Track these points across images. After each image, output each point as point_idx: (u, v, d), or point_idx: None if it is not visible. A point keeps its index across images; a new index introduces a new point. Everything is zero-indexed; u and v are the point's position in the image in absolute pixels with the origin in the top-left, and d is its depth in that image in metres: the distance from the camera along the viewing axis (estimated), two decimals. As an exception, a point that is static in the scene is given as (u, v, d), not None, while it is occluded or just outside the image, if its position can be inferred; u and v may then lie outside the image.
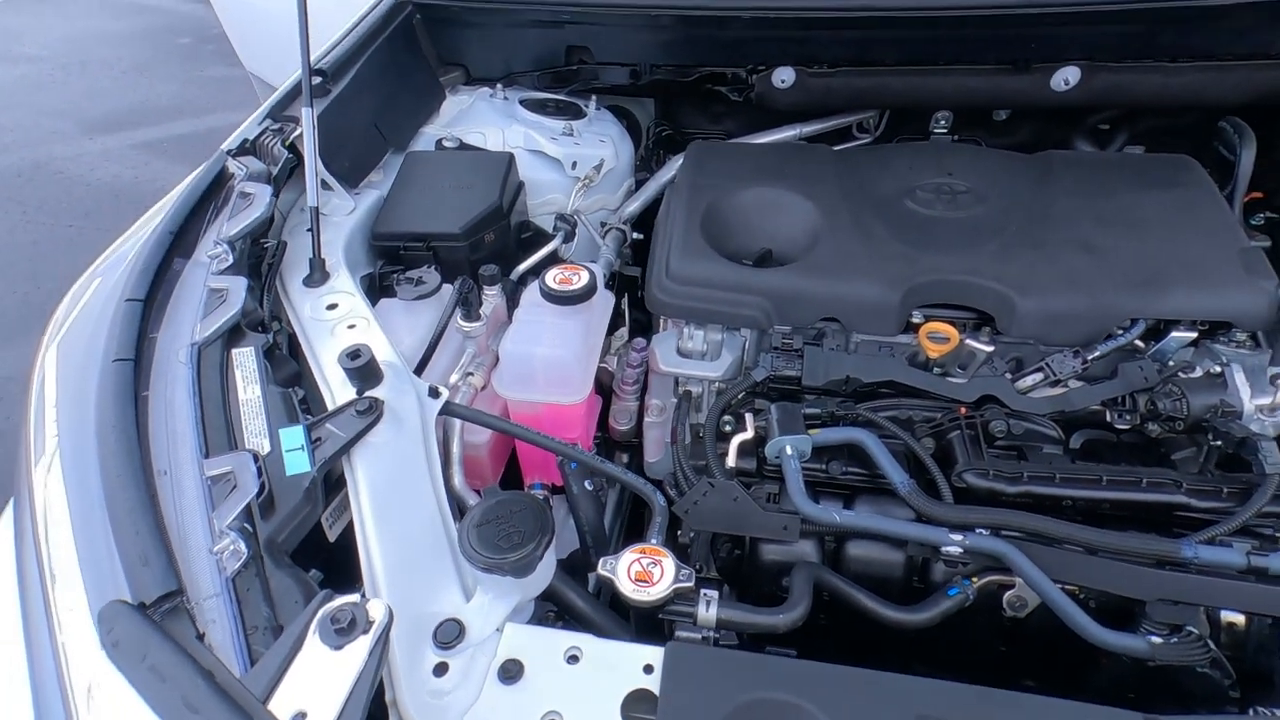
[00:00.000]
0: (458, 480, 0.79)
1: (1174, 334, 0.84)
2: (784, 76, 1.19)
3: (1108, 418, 0.84)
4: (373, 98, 1.09)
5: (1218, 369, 0.78)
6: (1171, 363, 0.83)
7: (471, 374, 0.89)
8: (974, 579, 0.75)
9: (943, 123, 1.31)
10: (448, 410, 0.75)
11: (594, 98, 1.30)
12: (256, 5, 2.54)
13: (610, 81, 1.30)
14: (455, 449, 0.84)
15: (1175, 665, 0.66)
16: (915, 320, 0.91)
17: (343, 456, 0.62)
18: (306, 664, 0.44)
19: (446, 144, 1.15)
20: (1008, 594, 0.76)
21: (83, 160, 4.02)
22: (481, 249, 0.99)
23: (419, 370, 0.80)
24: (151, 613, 0.45)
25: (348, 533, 0.63)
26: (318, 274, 0.84)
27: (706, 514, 0.79)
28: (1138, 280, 0.84)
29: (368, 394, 0.67)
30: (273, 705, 0.42)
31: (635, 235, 1.28)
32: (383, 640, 0.46)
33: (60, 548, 0.51)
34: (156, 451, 0.57)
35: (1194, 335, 0.84)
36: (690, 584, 0.64)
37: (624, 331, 1.14)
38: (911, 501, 0.75)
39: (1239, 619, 0.70)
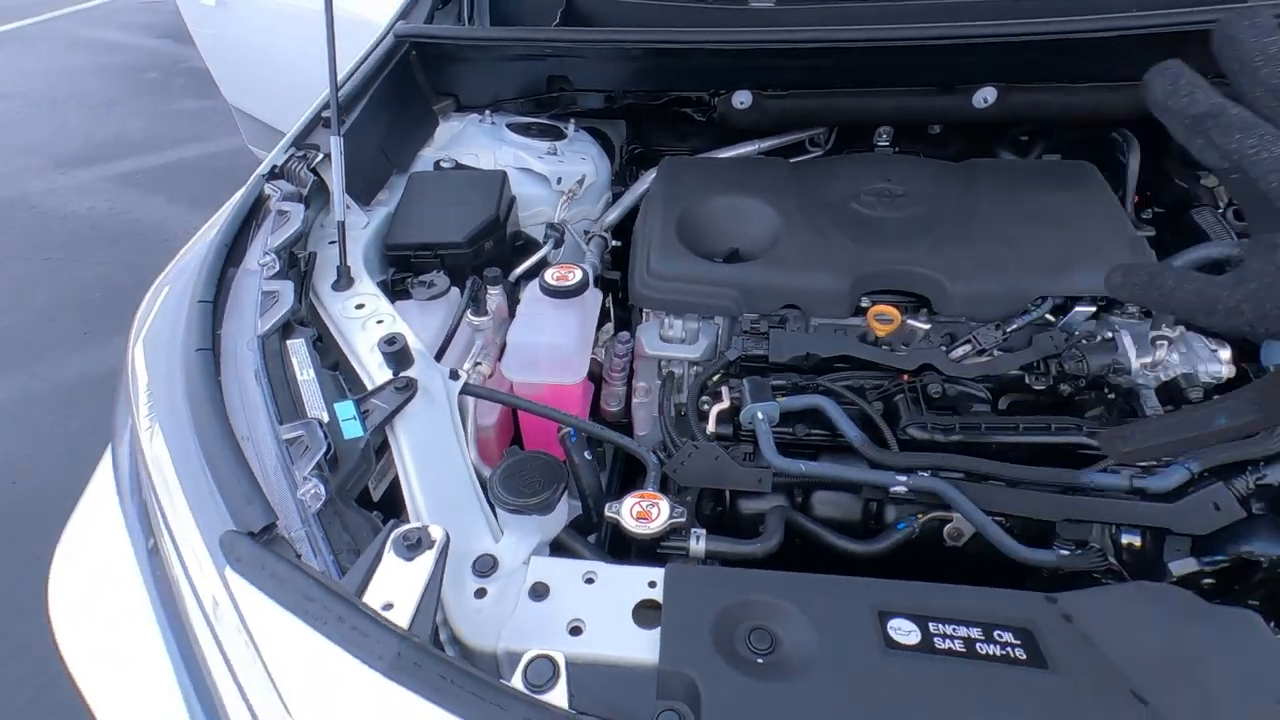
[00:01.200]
0: (472, 455, 0.90)
1: (1077, 309, 1.00)
2: (742, 99, 1.35)
3: (1027, 380, 0.99)
4: (378, 126, 1.22)
5: (1110, 335, 0.94)
6: (1076, 333, 0.99)
7: (480, 363, 1.01)
8: (919, 515, 0.89)
9: (885, 137, 1.48)
10: (467, 390, 0.87)
11: (572, 120, 1.45)
12: (239, 41, 2.64)
13: (587, 106, 1.45)
14: (470, 428, 0.96)
15: (1080, 573, 0.80)
16: (864, 305, 1.06)
17: (387, 425, 0.74)
18: (387, 572, 0.55)
19: (444, 165, 1.28)
20: (947, 526, 0.90)
21: (57, 194, 4.04)
22: (482, 255, 1.11)
23: (437, 358, 0.92)
24: (260, 539, 0.55)
25: (391, 491, 0.74)
26: (344, 279, 0.95)
27: (692, 471, 0.91)
28: (1045, 265, 1.01)
29: (403, 374, 0.78)
30: (365, 599, 0.53)
31: (615, 242, 1.42)
32: (444, 553, 0.58)
33: (173, 496, 0.62)
34: (237, 422, 0.68)
35: (1093, 309, 1.00)
36: (683, 520, 0.76)
37: (610, 327, 1.27)
38: (864, 452, 0.89)
39: (1136, 540, 0.85)
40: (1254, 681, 0.54)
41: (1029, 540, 0.86)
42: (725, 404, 0.98)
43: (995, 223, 1.07)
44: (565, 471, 0.74)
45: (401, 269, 1.09)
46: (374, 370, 0.81)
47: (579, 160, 1.35)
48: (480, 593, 0.67)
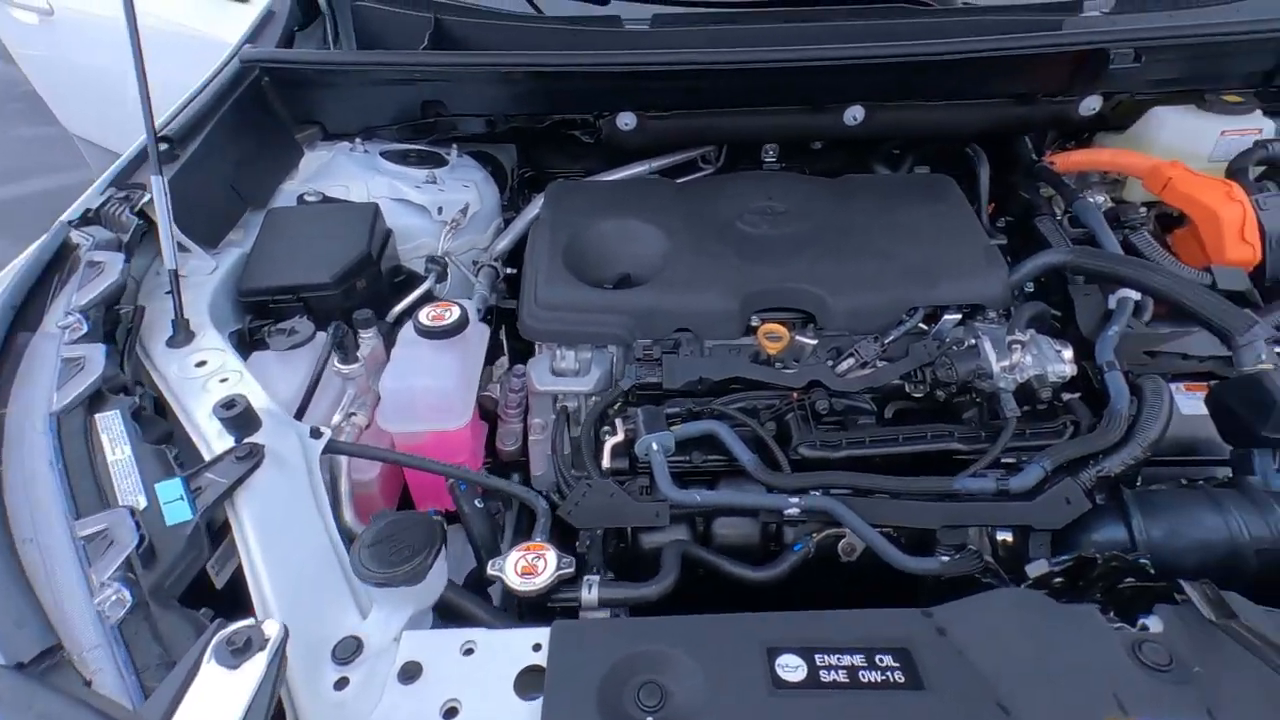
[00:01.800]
0: (349, 516, 0.83)
1: (945, 317, 1.05)
2: (626, 120, 1.34)
3: (907, 389, 1.03)
4: (225, 159, 1.11)
5: (973, 341, 0.99)
6: (947, 340, 1.04)
7: (354, 414, 0.93)
8: (814, 535, 0.90)
9: (771, 154, 1.52)
10: (331, 448, 0.79)
11: (454, 146, 1.39)
12: (71, 63, 2.34)
13: (469, 131, 1.40)
14: (344, 487, 0.88)
15: (963, 576, 0.83)
16: (754, 324, 1.06)
17: (226, 502, 0.65)
18: (204, 687, 0.48)
19: (309, 198, 1.18)
20: (841, 543, 0.91)
21: None
22: (355, 296, 1.03)
23: (299, 415, 0.83)
24: (31, 670, 0.46)
25: (237, 577, 0.66)
26: (181, 334, 0.85)
27: (588, 512, 0.88)
28: (915, 277, 1.05)
29: (247, 441, 0.70)
30: (175, 726, 0.45)
31: (509, 270, 1.37)
32: (279, 654, 0.51)
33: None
34: (18, 521, 0.57)
35: (959, 317, 1.05)
36: (571, 570, 0.73)
37: (504, 360, 1.22)
38: (757, 475, 0.88)
39: (1009, 537, 0.89)
40: (1094, 674, 0.57)
41: (915, 548, 0.89)
42: (620, 437, 0.95)
43: (868, 237, 1.11)
44: (441, 531, 0.68)
45: (260, 316, 0.99)
46: (213, 439, 0.72)
47: (461, 188, 1.29)
48: (341, 683, 0.61)
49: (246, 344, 0.99)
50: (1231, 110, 1.26)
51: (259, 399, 0.76)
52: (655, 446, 0.91)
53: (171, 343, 0.85)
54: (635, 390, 1.01)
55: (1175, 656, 0.57)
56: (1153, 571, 0.73)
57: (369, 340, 0.97)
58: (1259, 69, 1.29)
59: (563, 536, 0.95)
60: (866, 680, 0.60)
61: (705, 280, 1.06)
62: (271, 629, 0.52)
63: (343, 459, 0.88)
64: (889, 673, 0.60)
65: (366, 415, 0.93)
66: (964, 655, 0.60)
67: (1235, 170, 1.19)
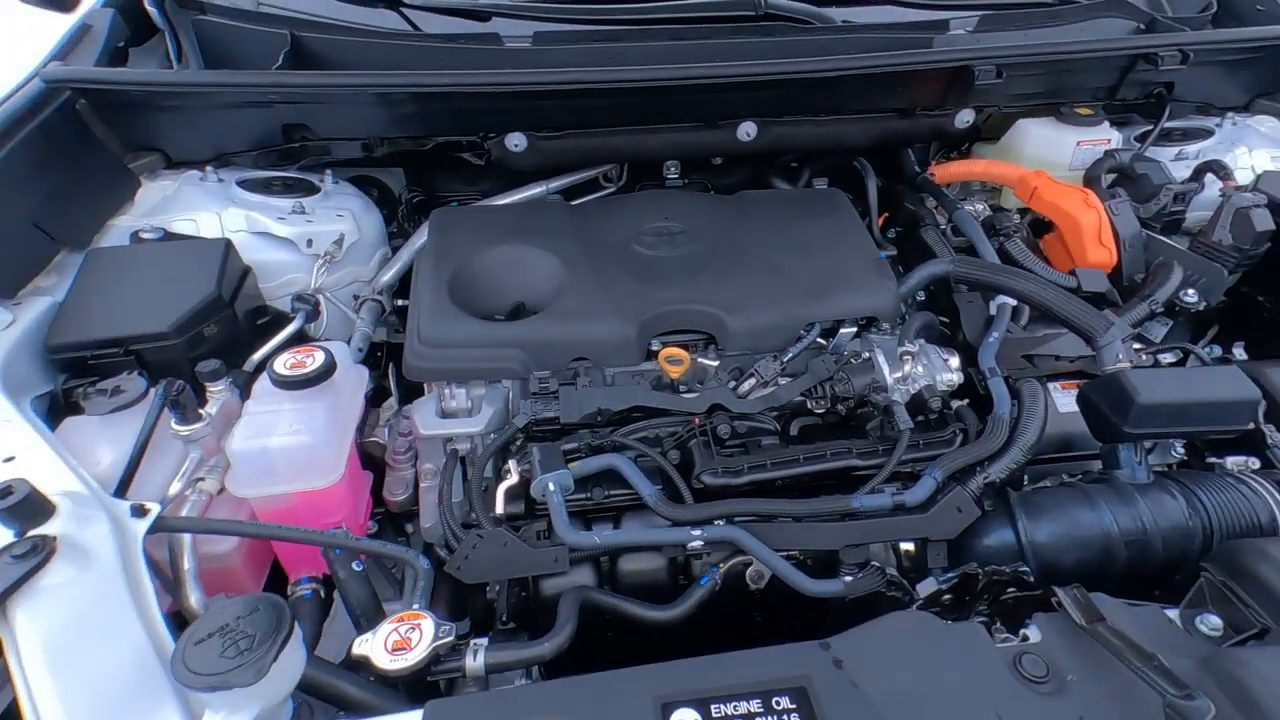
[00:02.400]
0: (194, 599, 0.72)
1: (841, 331, 1.06)
2: (516, 141, 1.28)
3: (809, 405, 1.03)
4: (27, 195, 0.96)
5: (867, 355, 1.00)
6: (844, 354, 1.05)
7: (202, 479, 0.82)
8: (721, 565, 0.87)
9: (673, 170, 1.50)
10: (162, 526, 0.69)
11: (329, 172, 1.28)
12: None
13: (344, 155, 1.30)
14: (187, 565, 0.77)
15: (869, 594, 0.83)
16: (654, 348, 1.03)
17: None
18: None
19: (146, 235, 1.05)
20: (748, 571, 0.89)
21: None
22: (203, 344, 0.92)
23: (122, 489, 0.72)
24: None
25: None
26: (-33, 405, 0.72)
27: (480, 565, 0.82)
28: (809, 292, 1.05)
29: (32, 534, 0.59)
30: None
31: (399, 302, 1.28)
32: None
33: None
34: None
35: (855, 330, 1.06)
36: (451, 639, 0.66)
37: (393, 402, 1.13)
38: (658, 509, 0.85)
39: (911, 547, 0.90)
40: (978, 695, 0.57)
41: (822, 568, 0.88)
42: (514, 479, 0.89)
43: (763, 254, 1.11)
44: (288, 615, 0.60)
45: (78, 375, 0.86)
46: None
47: (334, 217, 1.19)
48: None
49: (61, 409, 0.86)
50: (1084, 122, 1.36)
51: (55, 478, 0.64)
52: (552, 487, 0.85)
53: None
54: (532, 427, 0.95)
55: (1051, 666, 0.58)
56: (1031, 580, 0.75)
57: (219, 394, 0.86)
58: (1104, 84, 1.39)
59: (469, 587, 0.88)
60: (765, 729, 0.57)
61: (602, 306, 1.02)
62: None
63: (185, 536, 0.77)
64: (785, 715, 0.58)
65: (218, 480, 0.83)
66: (858, 687, 0.59)
67: (1090, 178, 1.28)
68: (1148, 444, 0.92)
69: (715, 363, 1.03)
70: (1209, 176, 1.28)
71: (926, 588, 0.78)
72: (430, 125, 1.25)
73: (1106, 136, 1.34)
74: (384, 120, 1.23)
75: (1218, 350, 1.25)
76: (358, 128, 1.23)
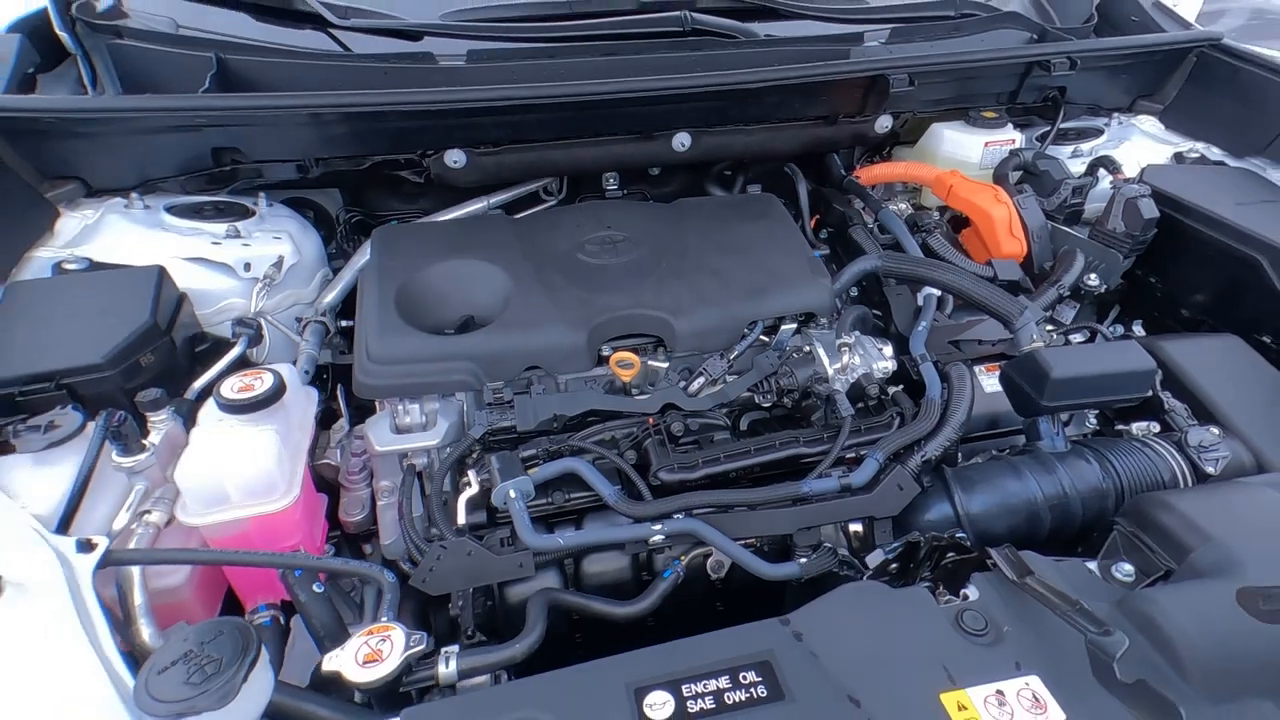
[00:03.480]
0: (146, 634, 0.70)
1: (783, 328, 1.11)
2: (455, 158, 1.29)
3: (757, 400, 1.07)
4: None
5: (808, 348, 1.06)
6: (787, 349, 1.10)
7: (148, 511, 0.80)
8: (682, 558, 0.90)
9: (612, 182, 1.54)
10: (111, 560, 0.66)
11: (263, 195, 1.26)
12: None
13: (278, 177, 1.27)
14: (137, 600, 0.74)
15: (823, 574, 0.87)
16: (605, 353, 1.06)
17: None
18: None
19: (70, 266, 1.00)
20: (709, 561, 0.92)
21: None
22: (140, 374, 0.89)
23: (64, 527, 0.69)
24: None
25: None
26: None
27: (445, 576, 0.82)
28: (750, 292, 1.10)
29: (-22, 578, 0.56)
30: None
31: (343, 323, 1.26)
32: None
33: None
34: None
35: (795, 326, 1.12)
36: (423, 647, 0.66)
37: (343, 423, 1.11)
38: (619, 508, 0.87)
39: (859, 527, 0.95)
40: (926, 652, 0.61)
41: (778, 554, 0.92)
42: (474, 489, 0.90)
43: (704, 258, 1.16)
44: (255, 636, 0.59)
45: (7, 414, 0.82)
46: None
47: (271, 240, 1.17)
48: None
49: (-7, 450, 0.81)
50: (990, 125, 1.47)
51: (-3, 521, 0.62)
52: (513, 494, 0.86)
53: None
54: (488, 437, 0.96)
55: (989, 620, 0.63)
56: (969, 544, 0.81)
57: (161, 423, 0.84)
58: (1006, 89, 1.52)
59: (433, 604, 0.88)
60: (732, 701, 0.60)
61: (551, 315, 1.03)
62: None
63: (134, 571, 0.74)
64: (753, 689, 0.61)
65: (166, 510, 0.80)
66: (818, 657, 0.63)
67: (998, 176, 1.39)
68: (1064, 416, 1.01)
69: (665, 364, 1.06)
70: (1101, 171, 1.41)
71: (875, 559, 0.83)
72: (367, 145, 1.25)
73: (1011, 137, 1.46)
74: (319, 141, 1.21)
75: (1120, 329, 1.37)
76: (292, 149, 1.22)
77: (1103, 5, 1.72)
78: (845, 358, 1.03)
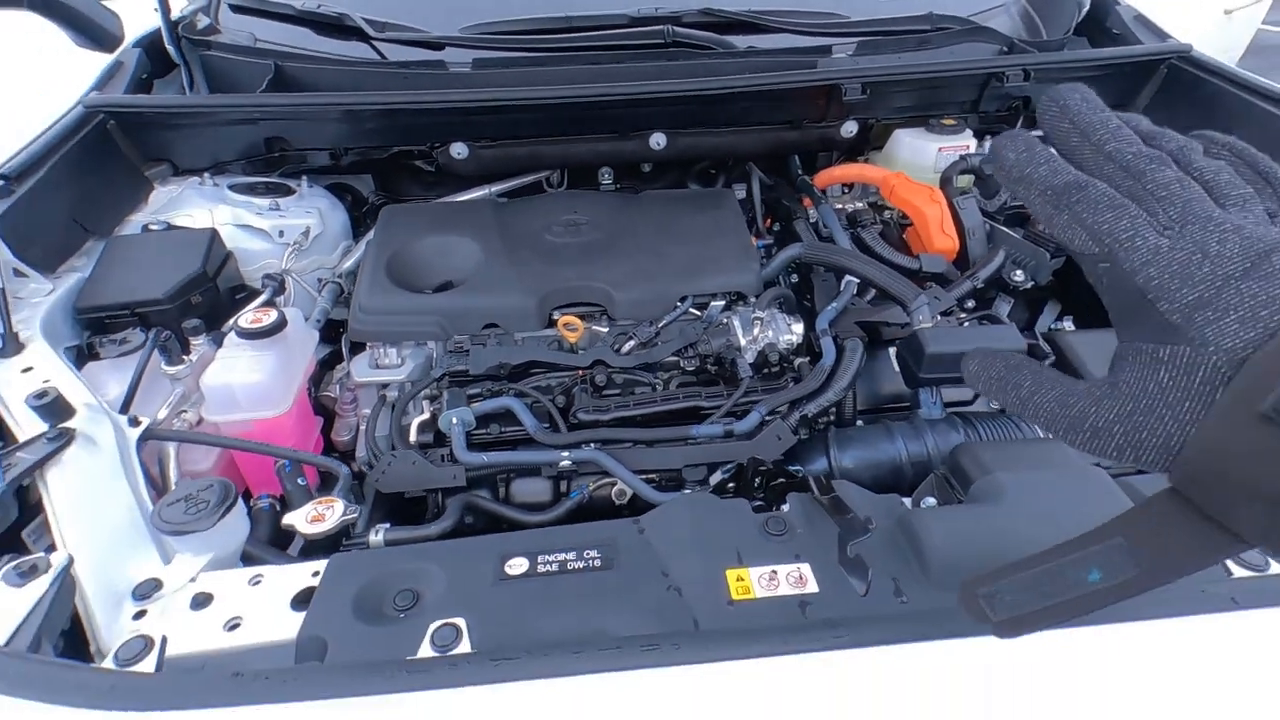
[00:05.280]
0: (170, 494, 0.95)
1: (712, 304, 1.28)
2: (459, 150, 1.52)
3: (681, 365, 1.24)
4: (67, 194, 1.22)
5: (724, 321, 1.22)
6: (714, 323, 1.26)
7: (184, 411, 1.06)
8: (590, 485, 1.09)
9: (607, 176, 1.74)
10: (151, 434, 0.92)
11: (305, 177, 1.53)
12: None
13: (317, 164, 1.55)
14: (172, 473, 1.00)
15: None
16: (555, 317, 1.25)
17: (36, 476, 0.77)
18: (-6, 600, 0.61)
19: (154, 227, 1.30)
20: (614, 490, 1.10)
21: None
22: (190, 310, 1.16)
23: (125, 407, 0.96)
24: None
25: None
26: (10, 345, 0.96)
27: (393, 479, 1.03)
28: (684, 272, 1.27)
29: (59, 426, 0.82)
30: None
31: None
32: (64, 573, 0.64)
33: None
34: None
35: (723, 303, 1.28)
36: (355, 515, 0.88)
37: (344, 365, 1.36)
38: (537, 437, 1.07)
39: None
40: (728, 541, 0.77)
41: (673, 487, 1.09)
42: (425, 415, 1.12)
43: (651, 241, 1.33)
44: (234, 491, 0.82)
45: (98, 332, 1.11)
46: (29, 427, 0.83)
47: (304, 214, 1.43)
48: (140, 614, 0.73)
49: (85, 357, 1.10)
50: (948, 132, 1.57)
51: (76, 394, 0.88)
52: (455, 420, 1.07)
53: (0, 354, 0.96)
54: (446, 377, 1.17)
55: (789, 525, 0.79)
56: (799, 473, 0.95)
57: (200, 346, 1.10)
58: (966, 98, 1.61)
59: (407, 512, 1.09)
60: (573, 567, 0.78)
61: (509, 282, 1.24)
62: (58, 558, 0.65)
63: (170, 450, 1.00)
64: (591, 561, 0.79)
65: (196, 413, 1.06)
66: (651, 545, 0.80)
67: (944, 179, 1.49)
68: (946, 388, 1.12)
69: (605, 330, 1.25)
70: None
71: (715, 479, 0.99)
72: (385, 137, 1.50)
73: (965, 143, 1.55)
74: (346, 133, 1.48)
75: (1060, 324, 1.45)
76: (325, 139, 1.48)
77: (1092, 18, 1.78)
78: (756, 330, 1.19)
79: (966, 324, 1.22)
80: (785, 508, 0.83)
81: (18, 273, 1.08)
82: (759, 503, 0.88)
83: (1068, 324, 1.42)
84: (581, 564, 0.79)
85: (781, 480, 0.96)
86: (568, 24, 1.67)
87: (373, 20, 1.64)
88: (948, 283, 1.34)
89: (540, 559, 0.79)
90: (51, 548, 0.76)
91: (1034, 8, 1.81)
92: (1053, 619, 0.43)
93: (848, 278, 1.31)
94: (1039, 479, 0.77)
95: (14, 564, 0.62)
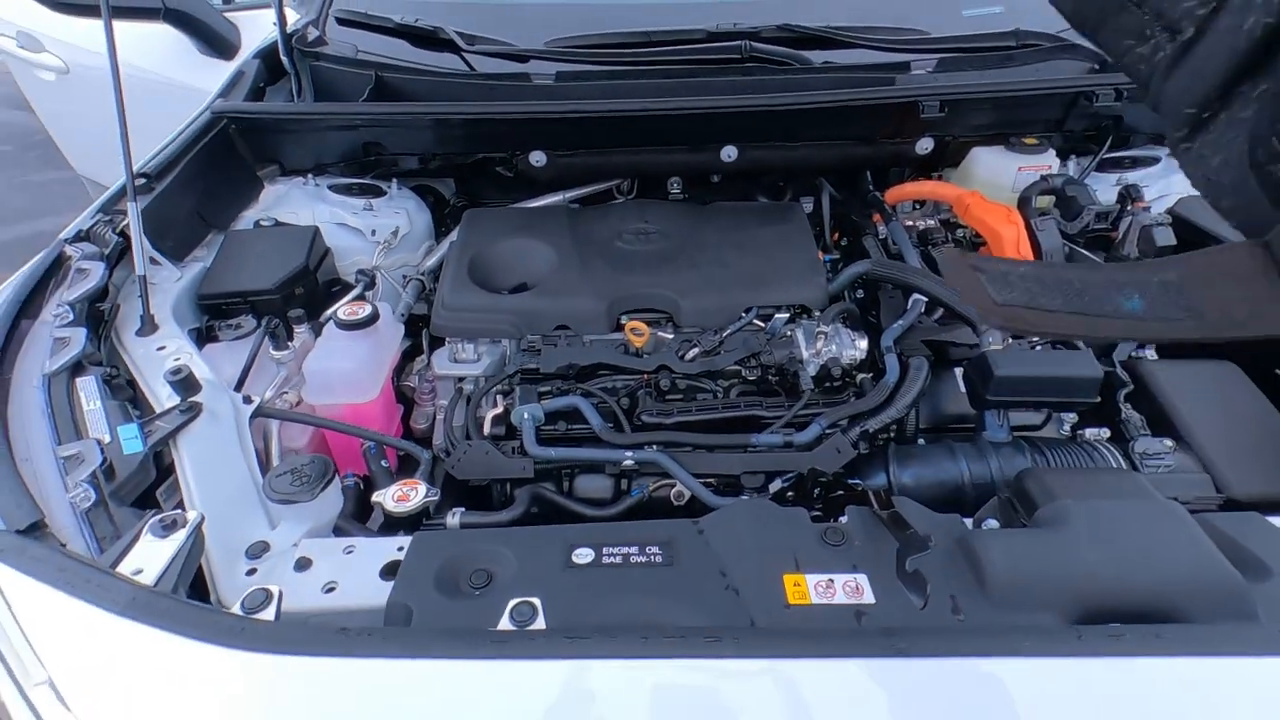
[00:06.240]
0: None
1: (776, 316, 1.30)
2: (537, 158, 1.60)
3: (743, 373, 1.27)
4: (194, 191, 1.36)
5: (789, 333, 1.24)
6: (776, 334, 1.28)
7: (286, 393, 1.16)
8: (650, 485, 1.13)
9: (676, 186, 1.79)
10: (260, 413, 1.02)
11: (395, 180, 1.65)
12: (84, 114, 2.68)
13: (407, 167, 1.66)
14: (274, 448, 1.10)
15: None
16: (624, 322, 1.31)
17: (170, 443, 0.88)
18: (144, 547, 0.70)
19: (264, 223, 1.43)
20: (673, 491, 1.14)
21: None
22: (294, 300, 1.27)
23: (239, 387, 1.07)
24: (26, 534, 0.69)
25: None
26: (148, 326, 1.09)
27: (468, 466, 1.11)
28: (750, 283, 1.30)
29: (189, 400, 0.93)
30: (120, 568, 0.67)
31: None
32: (196, 529, 0.73)
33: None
34: (18, 445, 0.80)
35: (788, 315, 1.30)
36: (437, 497, 0.95)
37: (424, 358, 1.45)
38: (603, 436, 1.12)
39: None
40: (786, 548, 0.79)
41: (732, 492, 1.12)
42: (499, 409, 1.19)
43: (718, 252, 1.37)
44: (333, 468, 0.91)
45: (215, 316, 1.23)
46: (165, 399, 0.95)
47: (394, 214, 1.54)
48: (251, 571, 0.83)
49: (204, 338, 1.23)
50: (1029, 150, 1.54)
51: (202, 372, 0.99)
52: (526, 415, 1.14)
53: (140, 333, 1.08)
54: (520, 374, 1.24)
55: (847, 535, 0.81)
56: (859, 486, 0.96)
57: (301, 334, 1.20)
58: (1051, 117, 1.57)
59: (473, 499, 1.16)
60: (635, 561, 0.82)
61: (580, 287, 1.30)
62: (192, 515, 0.74)
63: (274, 427, 1.11)
64: (653, 557, 0.83)
65: (297, 394, 1.16)
66: (709, 545, 0.83)
67: (1022, 199, 1.46)
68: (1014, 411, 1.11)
69: (670, 336, 1.29)
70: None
71: (774, 487, 1.01)
72: (470, 144, 1.59)
73: (1047, 163, 1.51)
74: (435, 140, 1.58)
75: (1141, 351, 1.39)
76: (416, 145, 1.59)
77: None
78: (819, 344, 1.20)
79: (1038, 348, 1.19)
80: (844, 519, 0.85)
81: (153, 261, 1.22)
82: (817, 513, 0.90)
83: (1149, 353, 1.36)
84: (644, 559, 0.83)
85: (840, 493, 0.97)
86: (647, 39, 1.72)
87: (464, 34, 1.74)
88: (1021, 305, 1.32)
89: (605, 550, 0.84)
90: (180, 506, 0.86)
91: (1129, 23, 1.74)
92: (1064, 329, 0.40)
93: (915, 296, 1.30)
94: (1109, 509, 0.76)
95: (159, 517, 0.72)
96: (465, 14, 1.80)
